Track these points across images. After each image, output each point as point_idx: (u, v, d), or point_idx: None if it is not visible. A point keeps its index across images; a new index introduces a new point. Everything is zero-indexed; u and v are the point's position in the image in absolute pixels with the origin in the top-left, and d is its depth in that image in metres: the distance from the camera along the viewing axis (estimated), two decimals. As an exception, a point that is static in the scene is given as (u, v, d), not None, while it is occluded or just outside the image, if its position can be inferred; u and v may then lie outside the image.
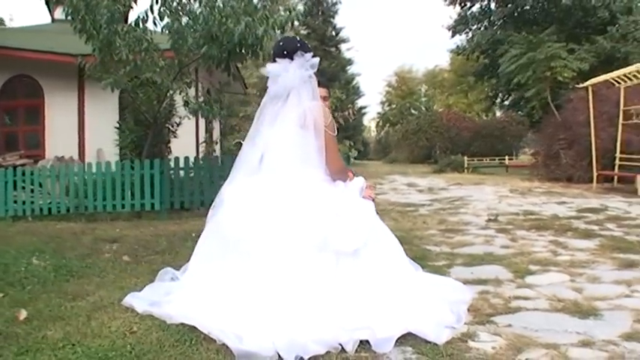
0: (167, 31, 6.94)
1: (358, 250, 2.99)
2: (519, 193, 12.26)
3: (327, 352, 2.51)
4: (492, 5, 25.56)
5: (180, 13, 6.58)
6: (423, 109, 48.22)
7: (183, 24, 6.58)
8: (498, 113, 36.79)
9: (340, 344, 2.54)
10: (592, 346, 2.69)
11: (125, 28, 6.87)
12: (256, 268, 2.86)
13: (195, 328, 2.77)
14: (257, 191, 3.07)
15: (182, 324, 2.84)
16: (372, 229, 3.15)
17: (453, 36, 27.80)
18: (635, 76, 11.66)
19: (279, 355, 2.45)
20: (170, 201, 8.17)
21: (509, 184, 15.20)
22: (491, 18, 25.02)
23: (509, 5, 23.03)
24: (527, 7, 22.23)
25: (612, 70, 16.53)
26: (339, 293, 2.81)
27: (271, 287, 2.77)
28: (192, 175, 8.37)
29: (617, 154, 12.75)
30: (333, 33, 36.42)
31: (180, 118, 9.66)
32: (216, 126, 16.36)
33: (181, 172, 8.45)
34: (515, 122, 29.23)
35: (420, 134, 31.91)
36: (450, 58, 45.51)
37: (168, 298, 3.16)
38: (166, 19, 6.66)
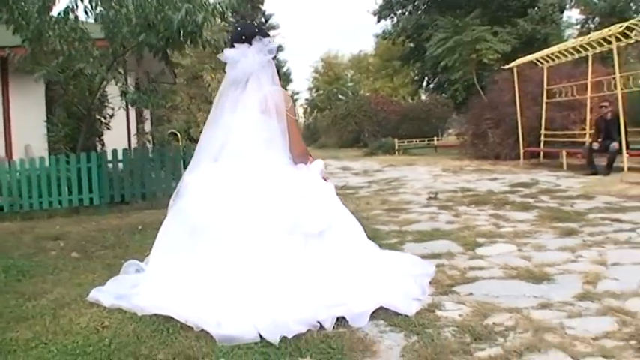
0: (100, 20, 6.70)
1: (323, 232, 3.06)
2: (452, 172, 12.67)
3: (308, 331, 2.55)
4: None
5: (114, 1, 6.35)
6: (350, 94, 48.61)
7: (117, 12, 6.35)
8: (423, 96, 37.68)
9: (319, 322, 2.60)
10: (550, 307, 2.88)
11: (55, 17, 6.57)
12: (227, 254, 2.87)
13: (169, 317, 2.74)
14: (222, 177, 3.08)
15: (155, 315, 2.81)
16: (335, 211, 3.23)
17: (378, 21, 28.22)
18: (557, 56, 12.26)
19: (261, 337, 2.47)
20: (110, 195, 7.94)
21: (441, 163, 15.67)
22: (416, 3, 25.56)
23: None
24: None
25: (533, 51, 17.28)
26: (312, 273, 2.87)
27: (245, 271, 2.79)
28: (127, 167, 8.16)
29: (543, 132, 13.38)
30: (263, 19, 36.12)
31: (112, 109, 9.38)
32: (147, 116, 15.97)
33: (119, 165, 8.22)
34: (440, 104, 30.08)
35: (349, 119, 32.22)
36: (375, 42, 46.15)
37: (135, 290, 3.10)
38: (99, 8, 6.42)
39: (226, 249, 2.88)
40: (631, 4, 26.93)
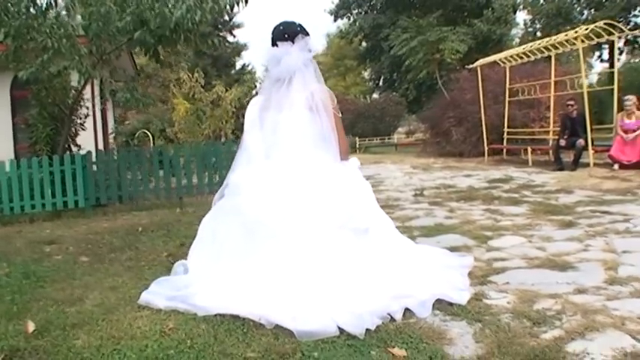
0: (88, 17, 6.58)
1: (369, 228, 3.19)
2: (422, 169, 13.00)
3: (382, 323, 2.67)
4: (372, -10, 26.56)
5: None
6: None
7: (109, 8, 6.23)
8: (375, 95, 38.21)
9: (389, 313, 2.71)
10: (587, 292, 3.09)
11: (42, 13, 6.41)
12: (287, 250, 2.93)
13: (236, 317, 2.77)
14: (274, 175, 3.16)
15: (220, 315, 2.82)
16: (376, 207, 3.37)
17: (335, 20, 28.53)
18: (520, 56, 12.74)
19: (341, 330, 2.55)
20: (96, 197, 7.81)
21: (407, 161, 16.02)
22: (372, 2, 25.92)
23: (390, -9, 24.07)
24: (407, -8, 23.40)
25: (488, 51, 17.88)
26: (373, 266, 2.98)
27: (312, 266, 2.87)
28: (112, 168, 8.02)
29: (505, 129, 13.89)
30: (227, 18, 35.76)
31: (87, 109, 9.22)
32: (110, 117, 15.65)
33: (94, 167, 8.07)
34: (394, 103, 30.65)
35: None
36: (327, 41, 46.52)
37: (189, 290, 3.07)
38: (91, 6, 6.30)
39: (285, 245, 2.95)
40: (575, 6, 28.14)
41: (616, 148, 9.76)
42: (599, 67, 32.50)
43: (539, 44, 11.70)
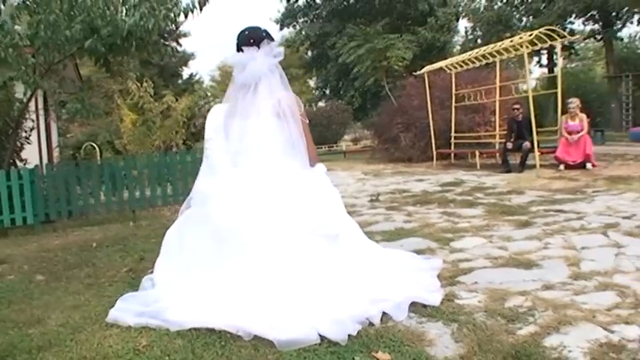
0: (35, 25, 6.33)
1: (339, 234, 3.19)
2: (373, 175, 13.09)
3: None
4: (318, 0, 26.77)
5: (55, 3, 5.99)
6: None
7: (57, 15, 6.01)
8: (321, 103, 38.46)
9: (367, 318, 2.72)
10: (554, 288, 3.20)
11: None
12: (260, 258, 2.90)
13: (211, 330, 2.72)
14: (244, 183, 3.12)
15: (195, 329, 2.76)
16: (345, 214, 3.39)
17: (281, 29, 28.61)
18: (466, 62, 13.07)
19: (321, 338, 2.54)
20: (45, 213, 7.51)
21: (357, 168, 16.11)
22: (318, 11, 26.13)
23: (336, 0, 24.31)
24: (352, 1, 23.65)
25: (432, 58, 18.26)
26: (347, 272, 2.98)
27: (287, 274, 2.84)
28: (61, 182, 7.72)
29: (453, 134, 14.21)
30: (174, 27, 35.24)
31: (33, 122, 8.89)
32: (54, 130, 15.13)
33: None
34: (341, 111, 30.91)
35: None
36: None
37: (160, 305, 2.98)
38: (38, 14, 6.07)
39: (259, 253, 2.91)
40: (515, 13, 29.15)
41: (561, 150, 10.14)
42: (538, 72, 33.79)
43: (485, 50, 12.03)
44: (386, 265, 3.30)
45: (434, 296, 3.05)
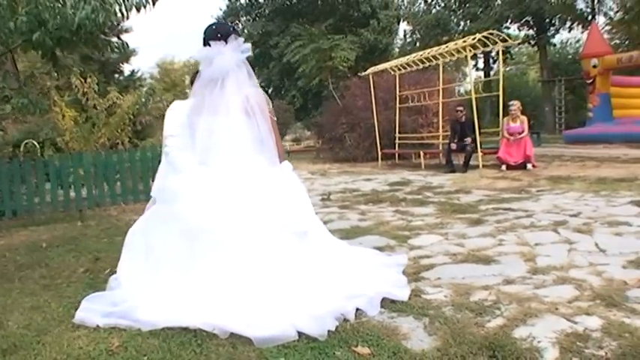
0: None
1: (307, 230, 3.20)
2: (320, 174, 13.15)
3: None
4: (260, -2, 26.73)
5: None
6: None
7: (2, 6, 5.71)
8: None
9: (342, 314, 2.73)
10: (514, 282, 3.31)
11: None
12: (232, 256, 2.87)
13: (185, 329, 2.67)
14: (213, 181, 3.08)
15: (166, 328, 2.70)
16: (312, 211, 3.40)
17: (224, 27, 28.36)
18: (409, 65, 13.33)
19: (299, 334, 2.53)
20: (-19, 213, 7.15)
21: (303, 167, 16.10)
22: (261, 10, 26.03)
23: (279, -1, 24.31)
24: (295, 1, 23.68)
25: (374, 59, 18.51)
26: (318, 268, 2.99)
27: (261, 271, 2.82)
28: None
29: (397, 134, 14.46)
30: (115, 22, 34.15)
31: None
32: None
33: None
34: (283, 110, 30.91)
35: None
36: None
37: (128, 305, 2.90)
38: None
39: (231, 251, 2.88)
40: (452, 17, 29.98)
41: (503, 150, 10.50)
42: (474, 75, 34.76)
43: (429, 53, 12.31)
44: (354, 261, 3.34)
45: (402, 291, 3.09)
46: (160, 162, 4.22)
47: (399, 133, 14.54)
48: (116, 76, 22.93)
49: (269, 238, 2.95)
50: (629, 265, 3.51)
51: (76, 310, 3.12)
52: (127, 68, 24.52)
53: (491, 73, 31.01)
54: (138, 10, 6.08)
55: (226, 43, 3.20)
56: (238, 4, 26.69)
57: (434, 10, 30.41)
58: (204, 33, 3.31)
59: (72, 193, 7.68)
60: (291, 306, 2.68)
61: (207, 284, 2.83)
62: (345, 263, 3.23)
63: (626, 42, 27.62)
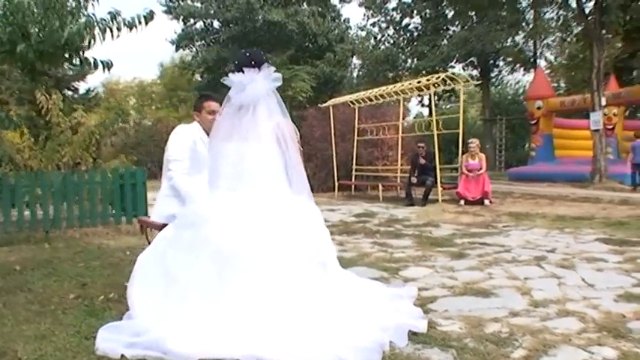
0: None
1: (327, 262, 3.29)
2: (278, 203, 13.18)
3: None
4: (215, 24, 26.68)
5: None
6: (132, 122, 46.90)
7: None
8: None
9: (380, 345, 2.79)
10: (520, 314, 3.49)
11: None
12: (269, 284, 2.89)
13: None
14: (244, 207, 3.11)
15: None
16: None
17: (177, 50, 28.22)
18: (370, 98, 13.70)
19: None
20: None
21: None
22: (216, 36, 26.08)
23: (235, 26, 24.35)
24: (250, 29, 23.86)
25: (329, 91, 18.86)
26: (354, 299, 3.07)
27: (300, 300, 2.86)
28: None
29: (354, 166, 14.74)
30: (101, 40, 33.22)
31: None
32: None
33: None
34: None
35: (140, 148, 31.28)
36: (161, 71, 45.51)
37: (154, 335, 2.82)
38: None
39: (262, 278, 2.89)
40: (400, 55, 30.92)
41: (462, 186, 10.90)
42: (416, 110, 35.93)
43: (391, 89, 12.70)
44: (370, 293, 3.43)
45: (421, 323, 3.19)
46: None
47: (357, 165, 14.83)
48: (70, 93, 22.31)
49: (299, 267, 3.01)
50: (619, 299, 3.77)
51: (86, 339, 3.08)
52: (83, 86, 23.95)
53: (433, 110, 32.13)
54: (130, 29, 6.06)
55: (259, 70, 3.27)
56: (193, 28, 26.63)
57: (382, 47, 31.30)
58: (238, 59, 3.38)
59: (39, 213, 7.42)
60: (331, 337, 2.73)
61: (241, 313, 2.81)
62: (364, 294, 3.32)
63: (564, 86, 29.39)
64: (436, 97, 32.34)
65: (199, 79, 29.47)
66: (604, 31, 14.60)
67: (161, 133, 30.97)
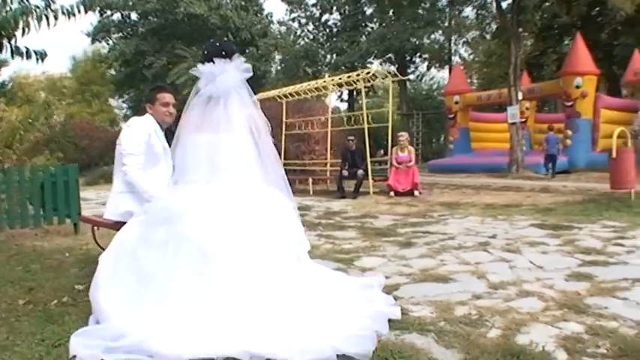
0: None
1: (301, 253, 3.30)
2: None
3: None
4: (133, 16, 25.84)
5: None
6: (42, 118, 44.43)
7: None
8: (122, 124, 36.94)
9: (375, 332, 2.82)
10: (483, 297, 3.64)
11: None
12: (251, 277, 2.83)
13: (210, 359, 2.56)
14: (221, 200, 3.04)
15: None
16: None
17: (93, 42, 27.11)
18: (297, 93, 13.74)
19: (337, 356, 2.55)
20: None
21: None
22: (134, 28, 25.27)
23: (154, 18, 23.69)
24: (170, 22, 23.25)
25: (253, 86, 18.70)
26: (340, 289, 3.09)
27: (286, 291, 2.84)
28: None
29: (282, 160, 14.71)
30: (36, 28, 30.76)
31: None
32: None
33: None
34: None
35: (54, 145, 29.72)
36: (72, 64, 43.47)
37: (134, 339, 2.66)
38: None
39: (245, 272, 2.83)
40: (320, 50, 31.18)
41: (392, 178, 11.18)
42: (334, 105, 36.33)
43: (320, 83, 12.82)
44: (344, 283, 3.46)
45: (396, 310, 3.25)
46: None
47: (284, 159, 14.83)
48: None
49: (279, 260, 2.99)
50: (569, 279, 4.01)
51: (54, 346, 2.90)
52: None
53: (356, 105, 32.73)
54: (69, 17, 5.74)
55: (231, 60, 3.21)
56: (110, 19, 25.64)
57: (302, 42, 31.50)
58: (207, 49, 3.31)
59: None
60: (322, 327, 2.72)
61: (227, 309, 2.74)
62: (338, 284, 3.35)
63: (476, 82, 30.74)
64: (355, 93, 33.03)
65: (113, 72, 28.47)
66: (520, 29, 15.39)
67: (74, 129, 29.72)
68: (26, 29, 5.45)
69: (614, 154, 8.19)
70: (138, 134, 4.17)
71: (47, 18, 5.57)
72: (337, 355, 2.53)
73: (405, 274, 4.36)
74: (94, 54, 35.25)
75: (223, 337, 2.63)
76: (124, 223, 3.60)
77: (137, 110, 30.46)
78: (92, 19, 27.60)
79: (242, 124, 3.18)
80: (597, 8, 20.66)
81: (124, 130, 4.27)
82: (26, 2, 5.43)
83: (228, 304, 2.78)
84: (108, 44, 26.83)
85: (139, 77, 24.13)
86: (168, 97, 4.39)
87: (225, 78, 3.17)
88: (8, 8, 5.33)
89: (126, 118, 33.34)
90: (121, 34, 25.72)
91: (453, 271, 4.41)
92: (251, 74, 3.33)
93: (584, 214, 7.17)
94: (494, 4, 15.57)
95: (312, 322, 2.76)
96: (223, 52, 3.22)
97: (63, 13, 5.61)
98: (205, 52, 3.31)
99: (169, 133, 4.35)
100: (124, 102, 34.90)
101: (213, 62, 3.21)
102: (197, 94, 3.25)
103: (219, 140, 3.16)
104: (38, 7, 5.47)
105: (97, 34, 25.49)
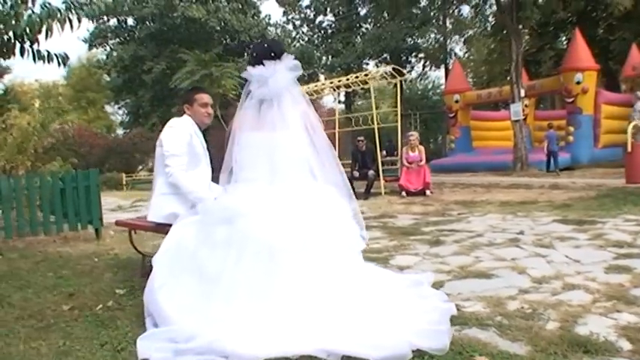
0: None
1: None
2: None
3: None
4: (130, 21, 25.85)
5: None
6: (38, 125, 44.36)
7: None
8: (119, 131, 36.97)
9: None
10: (530, 292, 3.74)
11: None
12: (320, 275, 2.91)
13: (285, 358, 2.60)
14: (283, 198, 3.10)
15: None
16: None
17: (90, 49, 27.13)
18: (310, 94, 13.83)
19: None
20: None
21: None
22: (131, 34, 25.27)
23: (152, 23, 23.69)
24: (170, 26, 23.24)
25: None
26: (389, 286, 3.18)
27: (351, 289, 2.92)
28: None
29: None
30: (60, 32, 30.71)
31: None
32: None
33: None
34: (146, 138, 30.10)
35: (53, 152, 29.76)
36: (67, 71, 43.40)
37: (206, 340, 2.68)
38: None
39: (313, 270, 2.91)
40: (316, 52, 31.29)
41: (404, 178, 11.28)
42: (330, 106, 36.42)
43: (332, 83, 12.89)
44: (396, 280, 3.56)
45: (452, 306, 3.33)
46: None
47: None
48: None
49: (343, 257, 3.07)
50: (609, 271, 4.12)
51: (118, 351, 2.93)
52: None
53: (352, 107, 32.87)
54: (92, 20, 5.77)
55: (280, 61, 3.25)
56: (107, 25, 25.62)
57: (297, 44, 31.59)
58: (255, 51, 3.35)
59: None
60: (394, 323, 2.81)
61: (296, 307, 2.80)
62: (393, 281, 3.44)
63: (471, 81, 30.88)
64: (352, 94, 33.14)
65: (108, 79, 28.48)
66: (520, 26, 15.54)
67: (74, 136, 29.73)
68: (49, 32, 5.46)
69: (629, 148, 8.31)
70: (180, 135, 4.15)
71: (70, 21, 5.58)
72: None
73: (445, 272, 4.45)
74: (89, 61, 35.17)
75: (297, 335, 2.68)
76: (167, 225, 3.65)
77: (137, 116, 30.53)
78: (88, 25, 27.63)
79: (297, 122, 3.22)
80: (592, 4, 20.89)
81: (166, 131, 4.23)
82: (49, 5, 5.44)
83: (298, 302, 2.84)
84: (105, 50, 26.81)
85: (138, 83, 24.12)
86: (206, 98, 4.42)
87: (276, 79, 3.20)
88: (30, 12, 5.35)
89: (123, 124, 33.32)
90: (118, 39, 25.67)
91: (491, 267, 4.50)
92: (301, 72, 3.36)
93: (603, 209, 7.30)
94: (495, 2, 15.67)
95: (383, 318, 2.83)
96: (272, 54, 3.24)
97: (86, 15, 5.63)
98: (254, 55, 3.33)
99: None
100: (119, 108, 34.81)
101: (263, 64, 3.23)
102: (248, 96, 3.28)
103: (276, 138, 3.20)
104: (60, 10, 5.49)
105: (94, 40, 25.44)
